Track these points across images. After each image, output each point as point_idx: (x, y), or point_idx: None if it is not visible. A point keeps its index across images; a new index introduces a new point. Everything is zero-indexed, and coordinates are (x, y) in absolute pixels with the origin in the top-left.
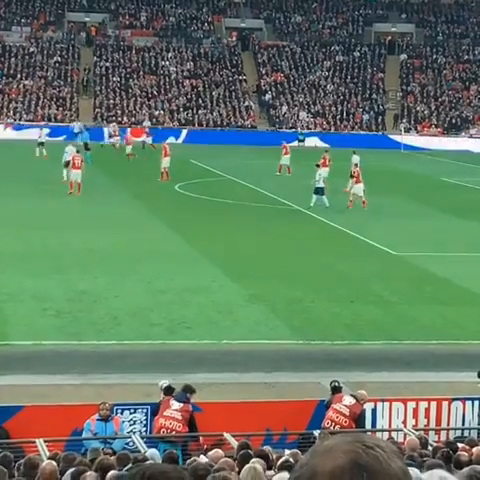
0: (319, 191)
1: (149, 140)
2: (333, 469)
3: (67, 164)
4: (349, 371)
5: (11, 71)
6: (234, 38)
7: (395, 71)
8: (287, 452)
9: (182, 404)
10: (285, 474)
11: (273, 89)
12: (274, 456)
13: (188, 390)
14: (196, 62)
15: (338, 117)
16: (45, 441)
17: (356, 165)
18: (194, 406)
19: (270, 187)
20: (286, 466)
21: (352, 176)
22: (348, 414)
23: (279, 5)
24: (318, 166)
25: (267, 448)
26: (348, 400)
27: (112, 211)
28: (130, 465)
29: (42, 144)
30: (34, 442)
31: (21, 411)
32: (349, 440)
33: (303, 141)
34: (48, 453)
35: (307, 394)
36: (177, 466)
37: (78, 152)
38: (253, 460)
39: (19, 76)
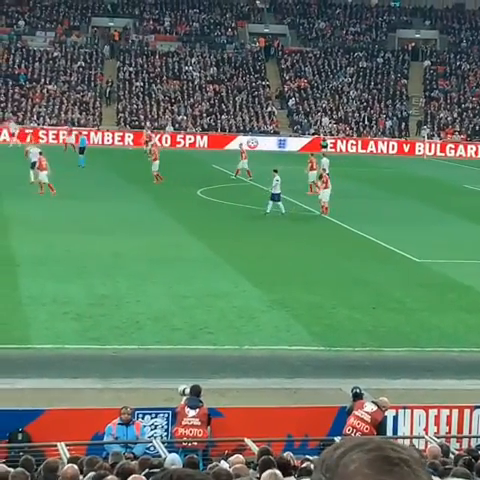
0: (275, 197)
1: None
2: None
3: (33, 165)
4: (370, 378)
5: (35, 76)
6: (257, 44)
7: (418, 77)
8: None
9: (197, 409)
10: None
11: (296, 95)
12: (295, 462)
13: (197, 392)
14: (219, 67)
15: (361, 123)
16: (66, 445)
17: (324, 170)
18: (215, 411)
19: (291, 192)
20: (306, 472)
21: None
22: (369, 421)
23: (303, 11)
24: (276, 171)
25: (288, 454)
26: (370, 407)
27: (134, 215)
28: (148, 470)
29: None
30: (55, 446)
31: (43, 415)
32: (371, 458)
33: (326, 147)
34: (69, 457)
35: (328, 400)
36: (201, 471)
37: (41, 154)
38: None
39: (43, 81)
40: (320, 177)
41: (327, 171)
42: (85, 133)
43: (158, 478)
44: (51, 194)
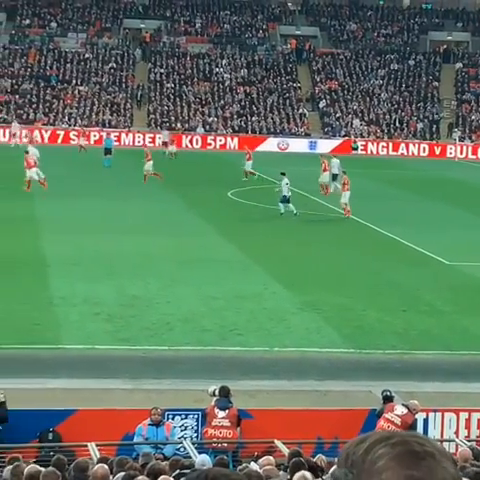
0: (284, 200)
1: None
2: None
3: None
4: (401, 380)
5: (66, 77)
6: (288, 46)
7: (450, 80)
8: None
9: (227, 410)
10: None
11: (327, 97)
12: (325, 464)
13: (226, 393)
14: (250, 69)
15: (392, 125)
16: (97, 445)
17: (344, 172)
18: (245, 413)
19: (322, 194)
20: None
21: (334, 179)
22: (400, 424)
23: (334, 13)
24: (283, 174)
25: (320, 456)
26: (400, 410)
27: (164, 216)
28: (178, 471)
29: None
30: (86, 446)
31: (73, 415)
32: (397, 453)
33: (357, 149)
34: (99, 457)
35: (358, 403)
36: (237, 471)
37: (27, 153)
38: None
39: (74, 82)
40: (334, 178)
41: (338, 172)
42: (116, 134)
43: (193, 477)
44: (43, 189)
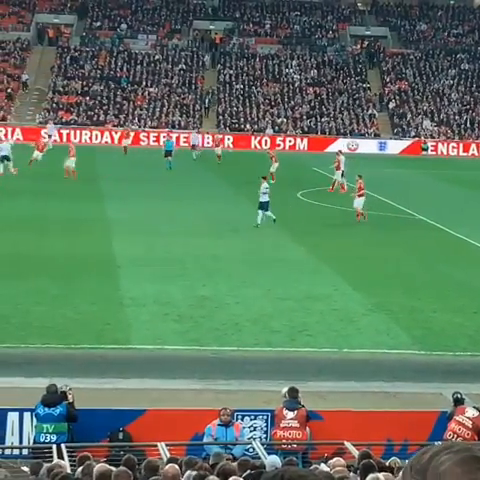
0: (263, 206)
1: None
2: None
3: (2, 159)
4: (472, 383)
5: (136, 78)
6: (358, 47)
7: None
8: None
9: (296, 411)
10: None
11: (397, 97)
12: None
13: (295, 394)
14: (320, 70)
15: (462, 126)
16: (167, 445)
17: (360, 176)
18: (315, 414)
19: (392, 195)
20: None
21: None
22: (471, 426)
23: (404, 13)
24: (264, 178)
25: (395, 459)
26: (471, 412)
27: (233, 217)
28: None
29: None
30: (156, 446)
31: (143, 415)
32: (460, 459)
33: (427, 150)
34: (169, 457)
35: (428, 405)
36: (313, 471)
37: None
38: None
39: (144, 83)
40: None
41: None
42: (185, 135)
43: (269, 477)
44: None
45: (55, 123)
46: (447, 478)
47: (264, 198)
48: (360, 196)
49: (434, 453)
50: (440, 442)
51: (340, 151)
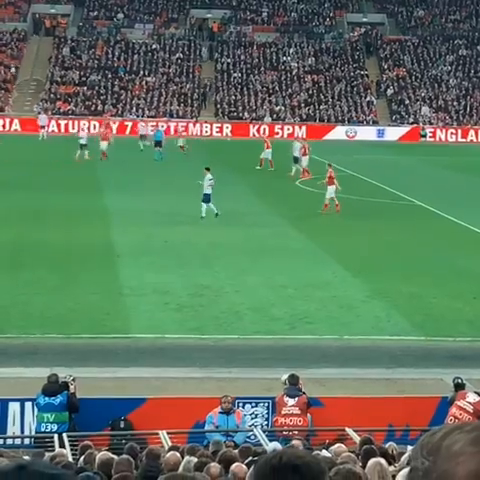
0: (206, 198)
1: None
2: (467, 475)
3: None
4: (472, 368)
5: (134, 68)
6: (355, 33)
7: None
8: (409, 448)
9: (297, 398)
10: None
11: (395, 84)
12: (396, 452)
13: (296, 381)
14: (317, 57)
15: (461, 112)
16: (168, 433)
17: (330, 165)
18: (315, 401)
19: (391, 182)
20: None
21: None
22: (472, 411)
23: None
24: (208, 169)
25: (391, 444)
26: (472, 397)
27: (232, 206)
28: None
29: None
30: (157, 434)
31: (144, 403)
32: (473, 437)
33: (425, 137)
34: (170, 445)
35: (429, 390)
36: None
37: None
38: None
39: (141, 73)
40: (295, 161)
41: (298, 155)
42: (183, 125)
43: (268, 458)
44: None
45: (46, 113)
46: (461, 458)
47: (207, 190)
48: (330, 185)
49: (445, 433)
50: None
51: (304, 138)
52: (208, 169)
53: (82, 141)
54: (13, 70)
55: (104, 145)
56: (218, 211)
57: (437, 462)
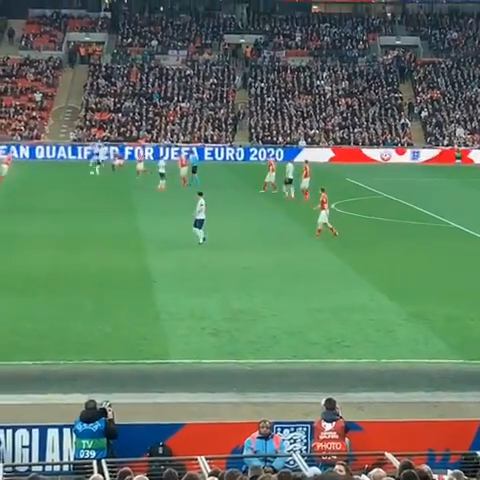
0: (197, 223)
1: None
2: None
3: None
4: None
5: (168, 94)
6: (389, 56)
7: None
8: (450, 473)
9: (334, 422)
10: None
11: (429, 106)
12: (434, 476)
13: (332, 406)
14: (351, 81)
15: None
16: (207, 458)
17: (323, 190)
18: (354, 425)
19: (426, 204)
20: None
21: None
22: None
23: (435, 21)
24: (201, 194)
25: (425, 467)
26: None
27: (268, 230)
28: None
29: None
30: (196, 459)
31: (182, 429)
32: None
33: (460, 158)
34: (210, 471)
35: (469, 414)
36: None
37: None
38: None
39: (176, 98)
40: (289, 182)
41: (293, 177)
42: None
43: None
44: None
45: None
46: None
47: (200, 216)
48: (322, 209)
49: None
50: None
51: (306, 161)
52: (201, 194)
53: (161, 170)
54: (49, 98)
55: (184, 171)
56: (205, 239)
57: None
